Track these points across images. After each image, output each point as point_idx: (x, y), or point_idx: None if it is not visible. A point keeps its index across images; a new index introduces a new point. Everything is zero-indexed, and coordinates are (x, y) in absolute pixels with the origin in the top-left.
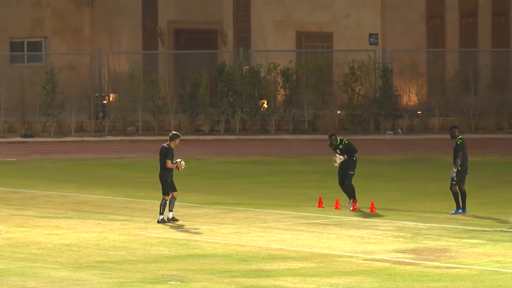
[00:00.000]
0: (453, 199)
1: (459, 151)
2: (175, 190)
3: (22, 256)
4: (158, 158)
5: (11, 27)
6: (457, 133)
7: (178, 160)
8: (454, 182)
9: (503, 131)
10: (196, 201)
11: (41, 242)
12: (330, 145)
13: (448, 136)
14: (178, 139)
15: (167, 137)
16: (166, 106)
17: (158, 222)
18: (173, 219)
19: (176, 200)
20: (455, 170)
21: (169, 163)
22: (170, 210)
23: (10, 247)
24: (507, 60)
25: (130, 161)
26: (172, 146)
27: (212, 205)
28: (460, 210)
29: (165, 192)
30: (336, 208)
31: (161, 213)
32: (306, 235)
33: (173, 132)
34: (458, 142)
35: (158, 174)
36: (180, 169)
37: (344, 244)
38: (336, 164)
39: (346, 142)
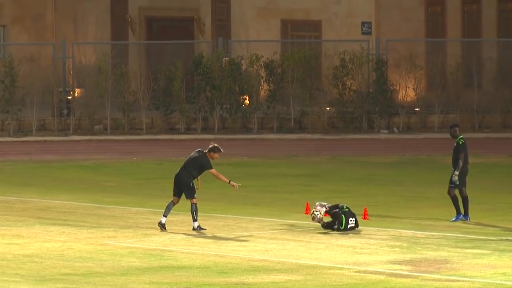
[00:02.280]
0: (453, 204)
1: (461, 151)
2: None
3: None
4: (189, 158)
5: None
6: (458, 132)
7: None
8: (453, 185)
9: (510, 130)
10: None
11: (0, 253)
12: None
13: (449, 136)
14: (217, 153)
15: (138, 137)
16: (137, 102)
17: (194, 229)
18: (162, 226)
19: (174, 206)
20: (457, 173)
21: (216, 172)
22: (165, 216)
23: None
24: None
25: (97, 163)
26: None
27: (188, 212)
28: (461, 216)
29: (191, 196)
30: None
31: (195, 219)
32: (292, 245)
33: (216, 144)
34: (460, 142)
35: (174, 175)
36: (236, 188)
37: (334, 255)
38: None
39: (346, 209)
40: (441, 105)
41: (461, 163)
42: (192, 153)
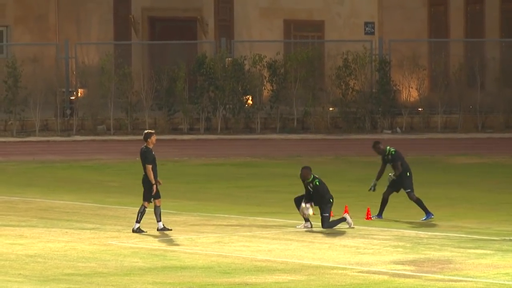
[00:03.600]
0: (419, 207)
1: (397, 160)
2: (159, 197)
3: None
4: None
5: None
6: (382, 147)
7: (160, 180)
8: (410, 190)
9: None
10: (173, 207)
11: (3, 253)
12: (303, 180)
13: (452, 136)
14: (152, 137)
15: (140, 137)
16: (140, 102)
17: (134, 231)
18: (165, 229)
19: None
20: (392, 175)
21: (148, 169)
22: (159, 221)
23: None
24: None
25: (100, 163)
26: (150, 146)
27: (191, 212)
28: (432, 215)
29: (147, 198)
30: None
31: (138, 221)
32: (296, 245)
33: (145, 130)
34: (393, 153)
35: (142, 178)
36: (155, 188)
37: (337, 255)
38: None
39: (317, 183)
40: (444, 105)
41: (400, 169)
42: (140, 153)
